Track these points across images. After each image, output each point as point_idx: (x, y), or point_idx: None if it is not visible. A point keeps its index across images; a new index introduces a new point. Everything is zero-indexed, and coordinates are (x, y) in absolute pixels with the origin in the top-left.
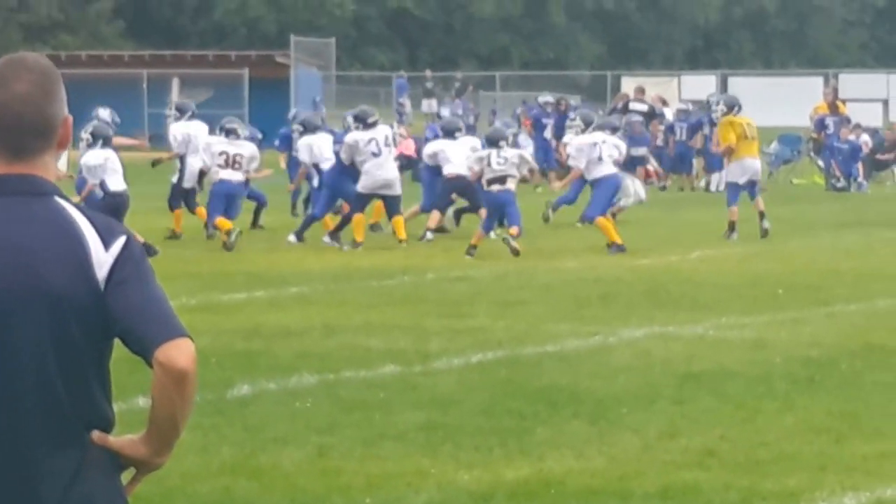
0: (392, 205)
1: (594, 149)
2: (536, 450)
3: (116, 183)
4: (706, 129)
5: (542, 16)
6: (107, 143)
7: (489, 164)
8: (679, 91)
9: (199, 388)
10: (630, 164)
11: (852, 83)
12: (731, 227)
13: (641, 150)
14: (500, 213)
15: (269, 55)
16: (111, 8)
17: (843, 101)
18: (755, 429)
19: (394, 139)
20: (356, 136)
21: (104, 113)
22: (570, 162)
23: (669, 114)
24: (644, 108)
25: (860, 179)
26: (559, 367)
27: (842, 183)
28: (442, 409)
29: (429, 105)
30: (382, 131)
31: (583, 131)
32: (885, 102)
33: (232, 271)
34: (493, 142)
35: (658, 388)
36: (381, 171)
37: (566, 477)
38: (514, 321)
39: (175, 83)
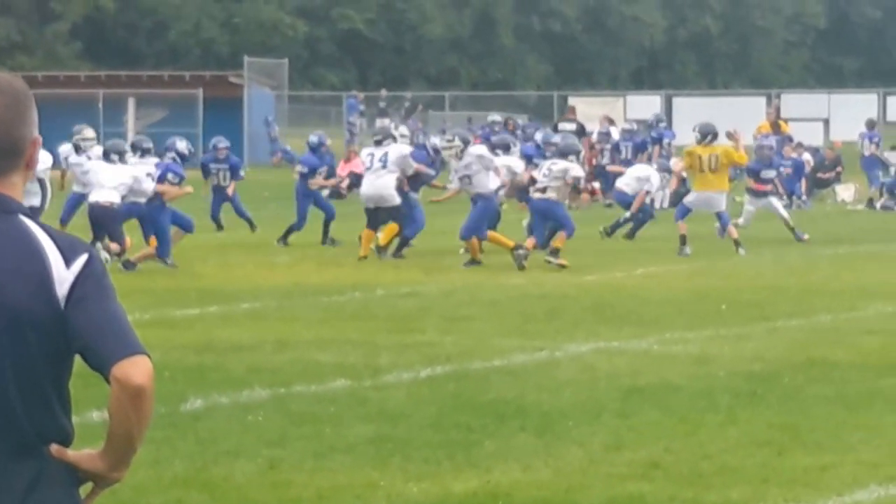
0: (379, 217)
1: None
2: (484, 462)
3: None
4: (650, 149)
5: (491, 37)
6: (122, 158)
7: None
8: (624, 111)
9: None
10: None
11: (794, 103)
12: (682, 241)
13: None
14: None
15: (222, 75)
16: (68, 29)
17: (786, 121)
18: (699, 442)
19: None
20: (363, 152)
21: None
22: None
23: (616, 133)
24: (572, 127)
25: (803, 197)
26: (506, 381)
27: (784, 201)
28: (391, 422)
29: (381, 124)
30: (384, 148)
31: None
32: (826, 122)
33: (185, 287)
34: (564, 154)
35: (603, 401)
36: (368, 186)
37: (513, 489)
38: (462, 336)
39: (131, 103)
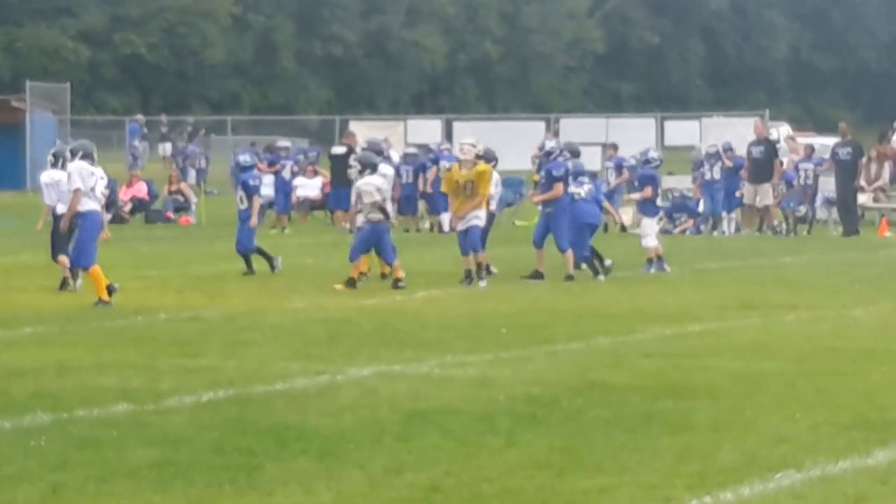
0: None
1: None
2: (266, 486)
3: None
4: (430, 173)
5: (272, 62)
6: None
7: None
8: (405, 135)
9: None
10: None
11: (574, 127)
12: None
13: None
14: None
15: (4, 99)
16: None
17: None
18: (479, 464)
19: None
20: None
21: (244, 157)
22: None
23: (396, 156)
24: (343, 150)
25: None
26: (288, 405)
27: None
28: (173, 446)
29: (163, 149)
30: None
31: None
32: (604, 146)
33: None
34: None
35: (384, 424)
36: None
37: None
38: (244, 360)
39: None
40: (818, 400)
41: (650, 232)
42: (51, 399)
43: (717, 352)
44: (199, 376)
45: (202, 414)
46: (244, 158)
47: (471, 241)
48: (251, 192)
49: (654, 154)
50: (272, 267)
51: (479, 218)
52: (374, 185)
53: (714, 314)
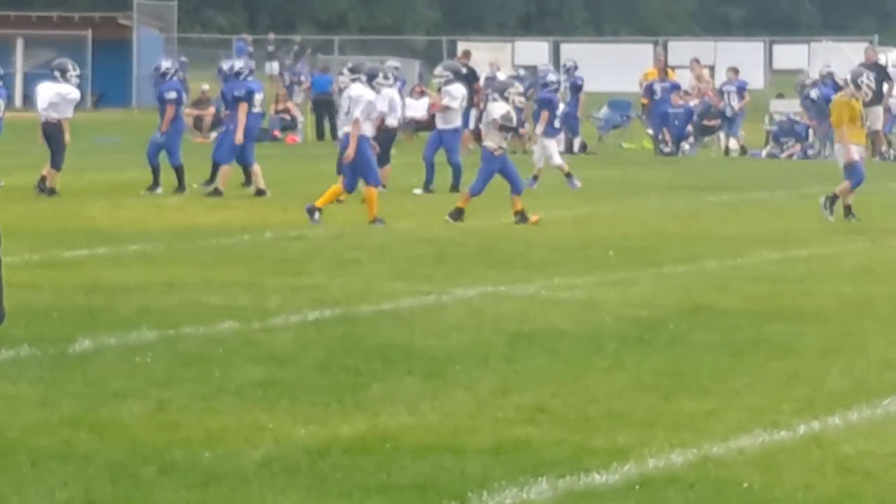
0: None
1: None
2: (372, 406)
3: None
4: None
5: None
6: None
7: None
8: (512, 57)
9: (40, 342)
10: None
11: (681, 51)
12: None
13: None
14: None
15: (111, 17)
16: None
17: (672, 68)
18: (585, 386)
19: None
20: None
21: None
22: None
23: (503, 78)
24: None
25: (691, 143)
26: (394, 324)
27: (669, 148)
28: (279, 365)
29: (270, 67)
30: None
31: None
32: (712, 69)
33: (73, 228)
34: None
35: (490, 345)
36: None
37: (401, 432)
38: (350, 279)
39: (19, 44)
40: None
41: (553, 152)
42: (157, 316)
43: (825, 276)
44: (304, 295)
45: (308, 333)
46: (229, 67)
47: None
48: (237, 101)
49: (552, 77)
50: (154, 186)
51: None
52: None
53: (821, 239)
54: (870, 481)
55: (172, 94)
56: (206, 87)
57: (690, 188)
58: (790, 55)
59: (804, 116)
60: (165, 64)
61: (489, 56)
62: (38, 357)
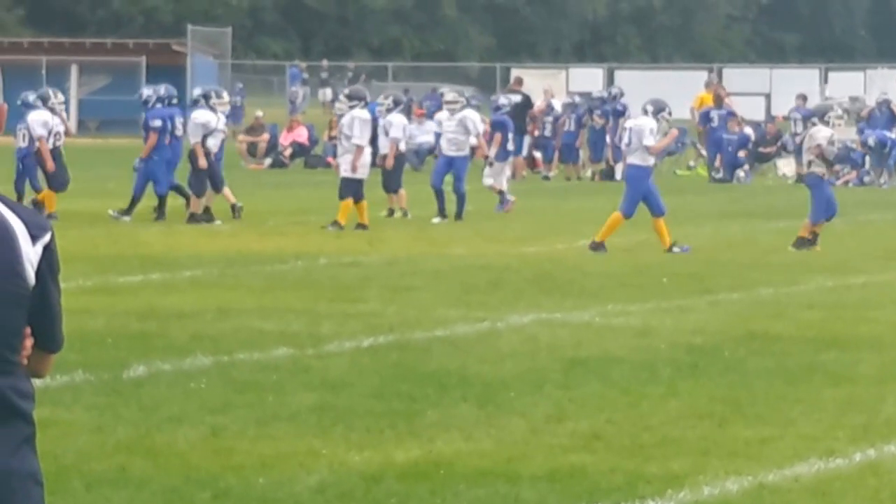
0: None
1: None
2: (426, 432)
3: None
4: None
5: (434, 8)
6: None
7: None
8: (567, 83)
9: (95, 368)
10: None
11: (736, 78)
12: None
13: None
14: None
15: (165, 43)
16: None
17: (728, 95)
18: (640, 413)
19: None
20: None
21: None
22: None
23: (558, 105)
24: (517, 98)
25: (746, 170)
26: (448, 351)
27: (720, 174)
28: (334, 391)
29: (323, 94)
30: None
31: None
32: (768, 96)
33: (127, 254)
34: None
35: (545, 372)
36: None
37: (455, 458)
38: (404, 306)
39: (74, 70)
40: None
41: (499, 173)
42: (211, 342)
43: (881, 304)
44: (359, 321)
45: (362, 359)
46: (149, 94)
47: None
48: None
49: (503, 100)
50: (127, 212)
51: None
52: None
53: (877, 266)
54: None
55: (157, 123)
56: (260, 113)
57: (745, 215)
58: (845, 82)
59: (859, 144)
60: (147, 92)
61: (543, 83)
62: (93, 383)
